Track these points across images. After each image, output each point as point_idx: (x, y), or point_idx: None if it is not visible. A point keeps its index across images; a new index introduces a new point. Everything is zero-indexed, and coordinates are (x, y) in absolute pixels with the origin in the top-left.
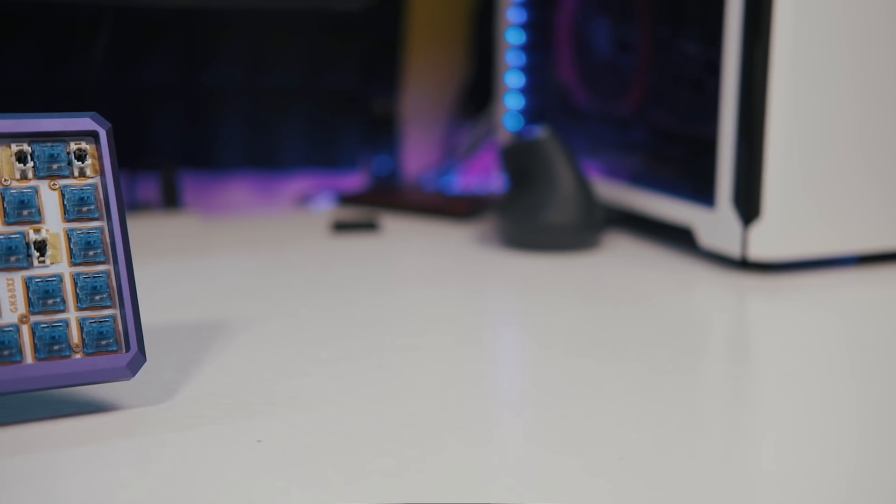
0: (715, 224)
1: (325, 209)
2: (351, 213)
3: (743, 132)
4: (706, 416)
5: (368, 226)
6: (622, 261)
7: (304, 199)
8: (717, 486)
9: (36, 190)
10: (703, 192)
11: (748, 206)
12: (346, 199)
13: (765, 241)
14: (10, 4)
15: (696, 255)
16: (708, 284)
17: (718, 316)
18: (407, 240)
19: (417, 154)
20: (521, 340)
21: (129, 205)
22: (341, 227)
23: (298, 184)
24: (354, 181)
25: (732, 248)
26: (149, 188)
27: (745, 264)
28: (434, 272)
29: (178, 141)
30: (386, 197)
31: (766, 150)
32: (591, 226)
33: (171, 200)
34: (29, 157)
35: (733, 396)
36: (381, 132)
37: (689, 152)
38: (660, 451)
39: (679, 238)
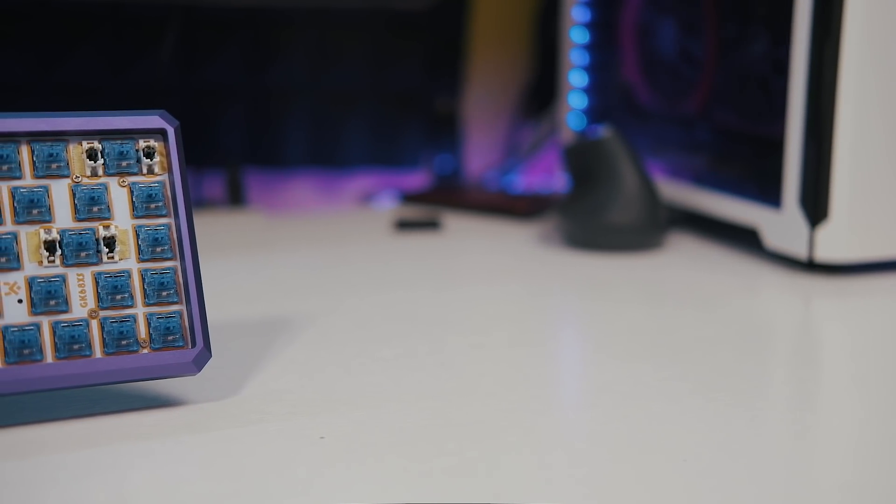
0: (781, 225)
1: (388, 207)
2: (413, 212)
3: (811, 132)
4: (771, 418)
5: (431, 224)
6: (686, 261)
7: (367, 198)
8: (782, 490)
9: (106, 187)
10: (769, 193)
11: (815, 206)
12: (408, 198)
13: (832, 243)
14: (82, 5)
15: (761, 256)
16: (773, 286)
17: (784, 318)
18: (469, 238)
19: (480, 153)
20: (584, 341)
21: (195, 202)
22: (404, 225)
23: (361, 182)
24: (417, 180)
25: (799, 250)
26: (214, 185)
27: (811, 266)
28: (496, 271)
29: (243, 139)
30: (448, 195)
31: (834, 149)
32: (654, 226)
33: (236, 198)
34: (99, 155)
35: (799, 399)
36: (443, 131)
37: (754, 152)
38: (724, 453)
39: (744, 239)
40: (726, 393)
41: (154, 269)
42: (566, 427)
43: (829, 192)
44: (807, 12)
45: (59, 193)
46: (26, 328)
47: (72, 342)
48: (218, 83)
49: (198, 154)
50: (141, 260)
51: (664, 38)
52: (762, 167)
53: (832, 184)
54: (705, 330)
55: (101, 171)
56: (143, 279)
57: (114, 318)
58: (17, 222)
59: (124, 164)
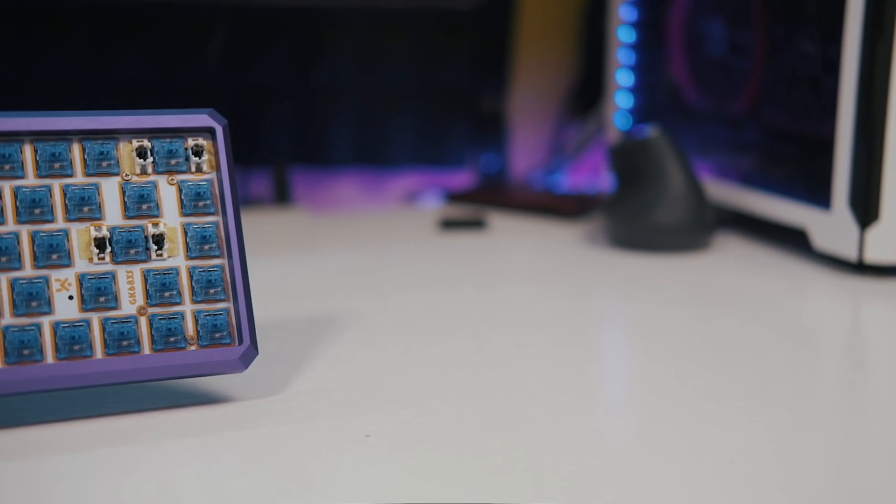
0: (830, 226)
1: (433, 206)
2: (458, 211)
3: (861, 132)
4: (820, 421)
5: (476, 223)
6: (733, 262)
7: (412, 197)
8: (830, 494)
9: (155, 185)
10: (818, 194)
11: (866, 208)
12: (453, 197)
13: (882, 244)
14: (132, 5)
15: (809, 257)
16: (822, 288)
17: (833, 320)
18: (514, 238)
19: (525, 152)
20: (629, 341)
21: (242, 200)
22: (449, 224)
23: (406, 181)
24: (462, 179)
25: (848, 251)
26: (261, 184)
27: (861, 268)
28: (541, 271)
29: (290, 137)
30: (493, 195)
31: (885, 150)
32: (701, 226)
33: (282, 196)
34: (149, 153)
35: (848, 402)
36: (489, 130)
37: (803, 152)
38: (771, 455)
39: (792, 240)
40: (774, 395)
41: (202, 267)
42: (611, 428)
43: (880, 193)
44: (859, 10)
45: (110, 191)
46: (77, 324)
47: (121, 338)
48: (265, 82)
49: (245, 152)
50: (189, 257)
51: (712, 37)
52: (811, 167)
53: (883, 185)
54: (753, 332)
55: (150, 170)
56: (191, 277)
57: (162, 315)
58: (69, 219)
59: (173, 162)
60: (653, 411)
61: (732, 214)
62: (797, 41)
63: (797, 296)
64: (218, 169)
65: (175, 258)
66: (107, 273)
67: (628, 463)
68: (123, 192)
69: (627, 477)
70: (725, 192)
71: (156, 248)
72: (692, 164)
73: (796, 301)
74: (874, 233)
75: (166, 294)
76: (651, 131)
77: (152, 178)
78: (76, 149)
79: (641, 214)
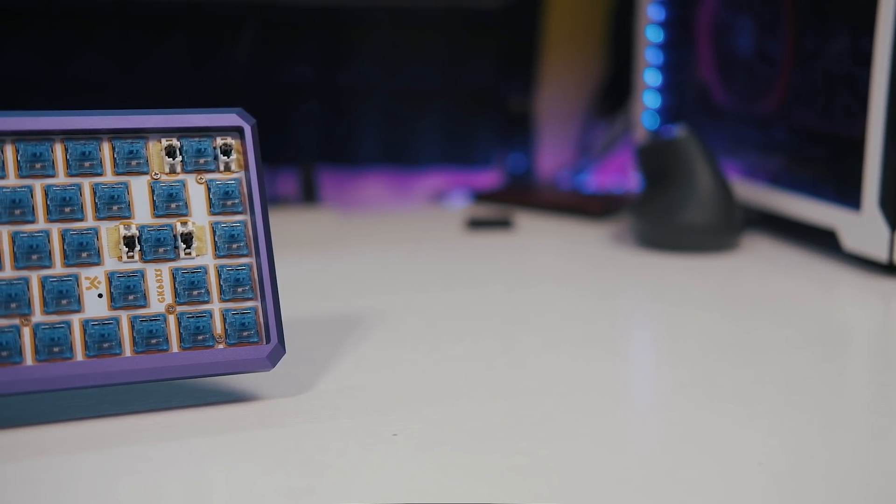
0: (860, 227)
1: (460, 206)
2: (485, 211)
3: (892, 132)
4: (849, 423)
5: (503, 223)
6: (762, 262)
7: (439, 196)
8: (859, 495)
9: (184, 184)
10: (847, 194)
11: None
12: (480, 197)
13: None
14: (161, 4)
15: (839, 257)
16: (852, 289)
17: (863, 321)
18: (541, 238)
19: (552, 152)
20: (657, 342)
21: (270, 199)
22: (476, 224)
23: (433, 180)
24: (489, 178)
25: (879, 253)
26: (288, 183)
27: (891, 268)
28: (568, 271)
29: (317, 137)
30: (520, 195)
31: None
32: (729, 227)
33: (309, 195)
34: (177, 152)
35: (878, 404)
36: (516, 130)
37: (833, 152)
38: (800, 457)
39: (821, 240)
40: (803, 396)
41: (230, 266)
42: (638, 428)
43: None
44: (891, 9)
45: (139, 190)
46: (106, 322)
47: (149, 336)
48: (293, 81)
49: (272, 151)
50: (217, 256)
51: (741, 37)
52: (841, 168)
53: None
54: (781, 332)
55: (179, 169)
56: (220, 275)
57: (190, 313)
58: (98, 218)
59: (202, 161)
60: (680, 412)
61: (761, 215)
62: (827, 41)
63: (826, 297)
64: (246, 168)
65: (203, 257)
66: (136, 271)
67: (655, 464)
68: (152, 191)
69: (654, 478)
70: (754, 193)
71: (184, 246)
72: (720, 165)
73: (825, 302)
74: None
75: (194, 292)
76: (679, 131)
77: (181, 176)
78: (106, 148)
79: (669, 214)
